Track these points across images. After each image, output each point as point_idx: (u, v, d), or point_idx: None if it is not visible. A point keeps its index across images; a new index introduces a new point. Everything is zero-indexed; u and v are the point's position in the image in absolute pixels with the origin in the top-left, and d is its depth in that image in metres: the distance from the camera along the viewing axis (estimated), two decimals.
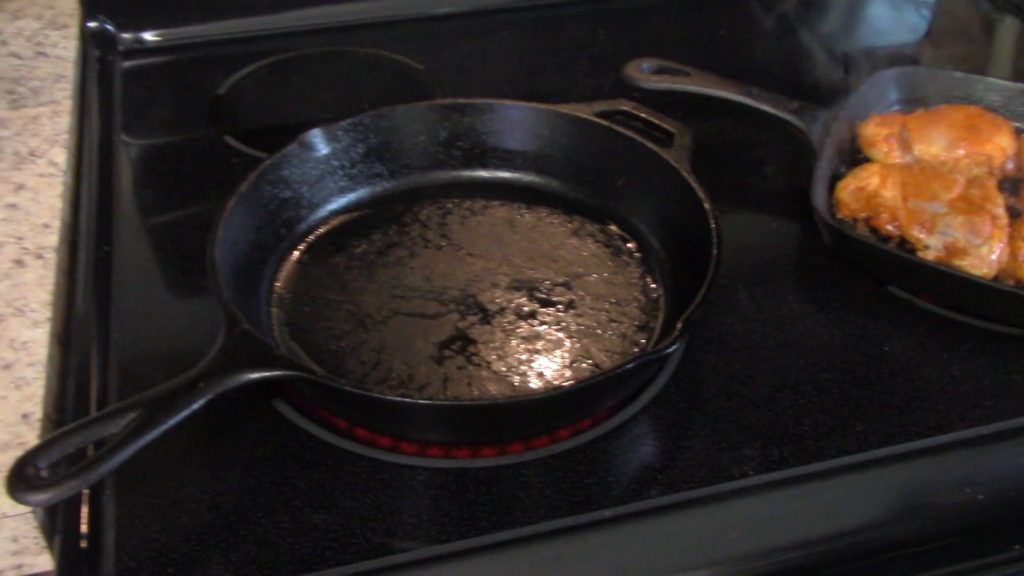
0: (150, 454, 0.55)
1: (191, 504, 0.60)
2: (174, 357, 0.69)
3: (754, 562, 0.58)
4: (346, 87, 1.00)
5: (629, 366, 0.60)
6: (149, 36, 1.03)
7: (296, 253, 0.76)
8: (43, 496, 0.52)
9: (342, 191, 0.80)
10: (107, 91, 0.97)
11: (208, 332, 0.68)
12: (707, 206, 0.70)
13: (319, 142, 0.78)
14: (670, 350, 0.60)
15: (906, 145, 0.84)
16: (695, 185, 0.72)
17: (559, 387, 0.65)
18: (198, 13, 1.05)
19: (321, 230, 0.78)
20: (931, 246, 0.75)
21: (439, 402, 0.63)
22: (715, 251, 0.67)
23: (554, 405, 0.62)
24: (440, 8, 1.08)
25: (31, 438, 0.60)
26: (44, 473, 0.52)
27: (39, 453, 0.53)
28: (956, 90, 0.90)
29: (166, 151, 0.90)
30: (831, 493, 0.62)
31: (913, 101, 0.90)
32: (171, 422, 0.55)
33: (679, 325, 0.61)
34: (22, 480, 0.52)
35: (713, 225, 0.69)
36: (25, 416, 0.61)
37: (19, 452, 0.54)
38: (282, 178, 0.76)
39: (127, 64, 1.01)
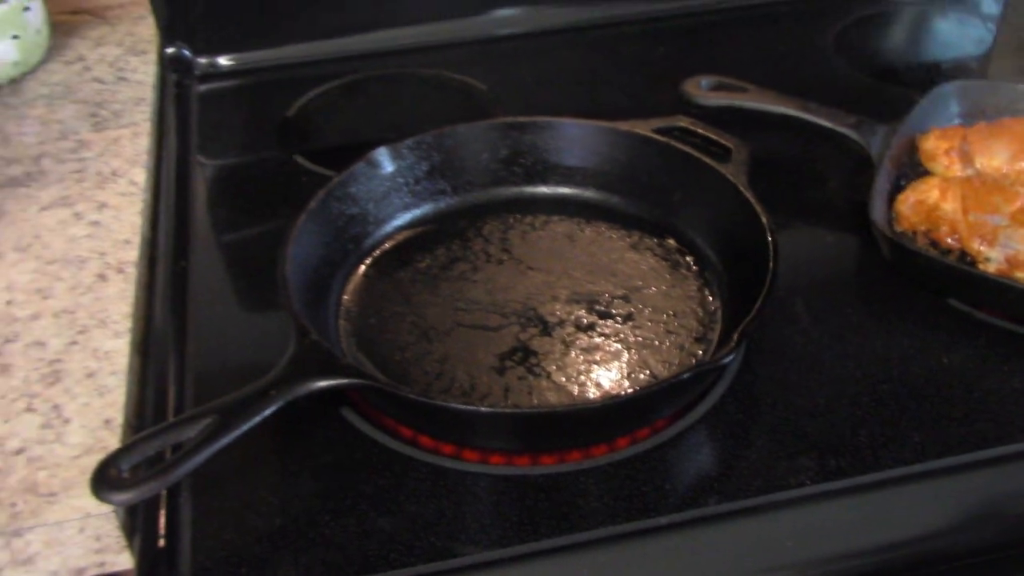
0: (224, 459, 0.58)
1: (263, 507, 0.62)
2: (246, 367, 0.71)
3: (810, 571, 0.59)
4: (410, 107, 1.02)
5: (685, 376, 0.61)
6: (223, 61, 1.07)
7: (363, 267, 0.79)
8: (125, 496, 0.55)
9: (407, 207, 0.83)
10: (184, 113, 1.01)
11: (278, 344, 0.70)
12: (764, 220, 0.71)
13: (385, 160, 0.80)
14: (726, 360, 0.61)
15: (967, 158, 0.84)
16: (752, 199, 0.73)
17: (617, 396, 0.67)
18: (269, 38, 1.09)
19: (387, 245, 0.81)
20: (992, 259, 0.75)
21: (500, 410, 0.65)
22: (772, 264, 0.68)
23: (612, 413, 0.63)
24: (501, 30, 1.10)
25: (113, 442, 0.63)
26: (126, 475, 0.55)
27: (121, 456, 0.56)
28: (1018, 102, 0.90)
29: (239, 171, 0.94)
30: (888, 504, 0.62)
31: (974, 114, 0.90)
32: (244, 428, 0.58)
33: (735, 336, 0.62)
34: (105, 481, 0.55)
35: (770, 239, 0.70)
36: (107, 422, 0.64)
37: (102, 455, 0.57)
38: (350, 195, 0.79)
39: (203, 88, 1.05)
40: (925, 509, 0.61)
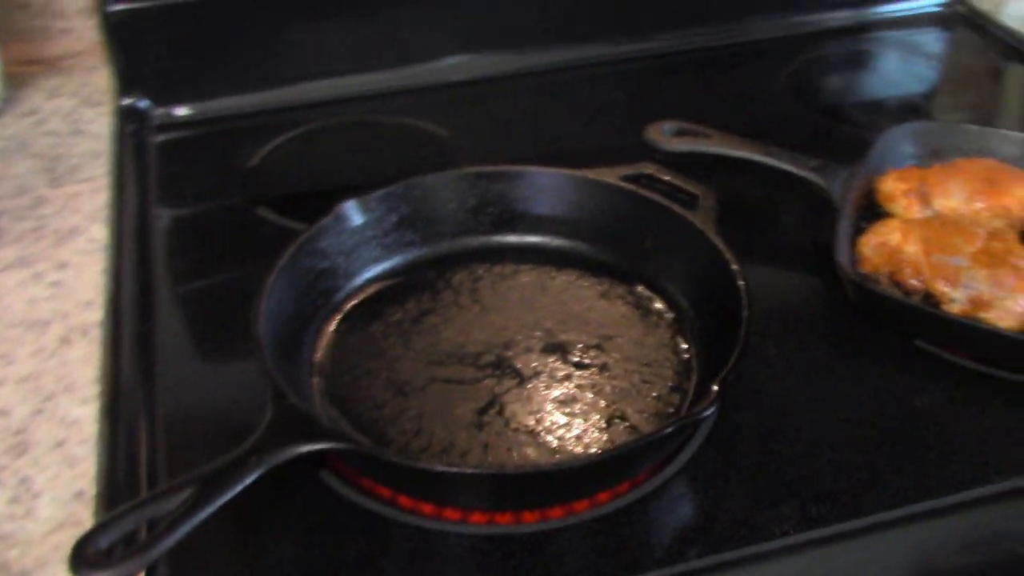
0: (202, 527, 0.57)
1: None
2: (220, 427, 0.71)
3: None
4: (373, 155, 1.02)
5: (669, 429, 0.61)
6: (181, 111, 1.06)
7: (334, 322, 0.78)
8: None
9: (376, 260, 0.82)
10: (142, 166, 1.00)
11: (249, 401, 0.70)
12: (735, 268, 0.72)
13: (353, 213, 0.80)
14: (707, 413, 0.62)
15: (925, 199, 0.86)
16: (722, 247, 0.74)
17: (603, 451, 0.67)
18: (227, 87, 1.08)
19: (357, 299, 0.80)
20: (956, 299, 0.76)
21: (484, 471, 0.64)
22: (745, 313, 0.68)
23: (595, 470, 0.63)
24: (461, 75, 1.11)
25: (85, 516, 0.62)
26: (105, 552, 0.54)
27: (99, 532, 0.55)
28: (971, 143, 0.92)
29: (201, 223, 0.93)
30: (872, 549, 0.62)
31: (929, 155, 0.92)
32: (225, 498, 0.57)
33: (715, 388, 0.62)
34: (84, 559, 0.53)
35: (742, 287, 0.70)
36: (79, 494, 0.63)
37: (75, 531, 0.55)
38: (319, 250, 0.78)
39: (160, 138, 1.04)
40: (909, 554, 0.62)
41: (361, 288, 0.81)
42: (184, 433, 0.71)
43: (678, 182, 0.82)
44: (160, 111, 1.06)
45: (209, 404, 0.74)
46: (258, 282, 0.74)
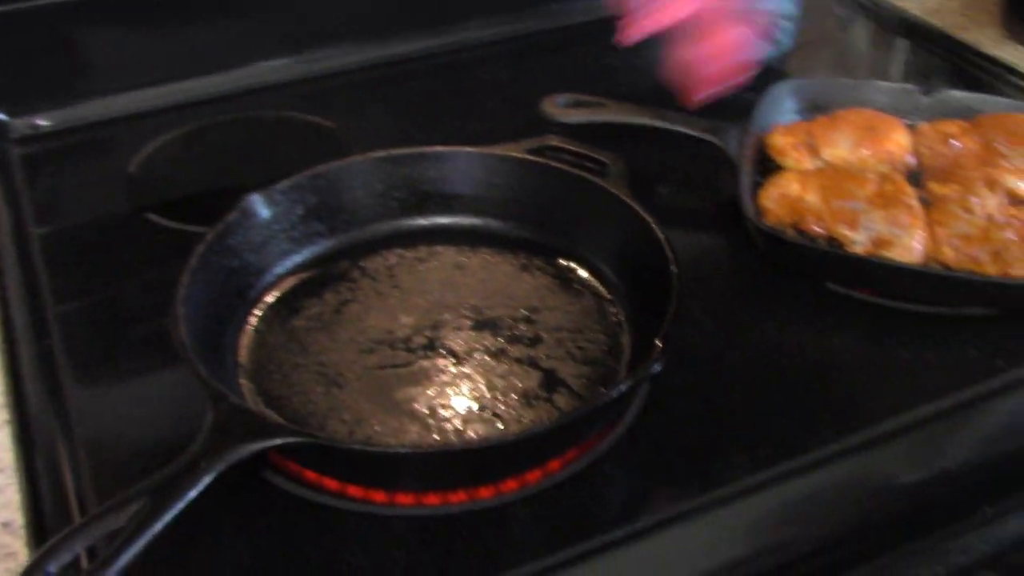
0: (154, 546, 0.54)
1: None
2: (143, 442, 0.68)
3: (764, 558, 0.61)
4: (259, 151, 0.99)
5: (623, 388, 0.61)
6: (43, 121, 1.00)
7: (252, 321, 0.75)
8: None
9: (287, 253, 0.79)
10: (9, 183, 0.93)
11: (169, 410, 0.69)
12: (656, 228, 0.73)
13: (259, 207, 0.77)
14: (657, 368, 0.62)
15: (814, 151, 0.89)
16: (639, 209, 0.75)
17: (558, 418, 0.66)
18: (89, 93, 1.02)
19: (272, 295, 0.77)
20: (858, 241, 0.80)
21: (439, 449, 0.63)
22: (674, 269, 0.69)
23: (548, 438, 0.63)
24: (341, 64, 1.08)
25: (18, 547, 0.58)
26: None
27: (48, 557, 0.51)
28: (847, 95, 0.96)
29: (88, 235, 0.88)
30: (819, 482, 0.65)
31: (810, 109, 0.96)
32: (179, 506, 0.54)
33: (659, 343, 0.63)
34: None
35: (666, 245, 0.71)
36: (6, 525, 0.59)
37: (10, 564, 0.52)
38: (228, 247, 0.75)
39: (23, 152, 0.98)
40: (854, 481, 0.64)
41: (275, 284, 0.78)
42: (106, 452, 0.67)
43: (584, 151, 0.82)
44: (19, 123, 1.00)
45: (126, 419, 0.70)
46: (165, 288, 0.70)
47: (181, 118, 1.01)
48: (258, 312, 0.76)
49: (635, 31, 0.87)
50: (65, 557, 0.51)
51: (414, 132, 0.99)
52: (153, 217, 0.88)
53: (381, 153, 0.82)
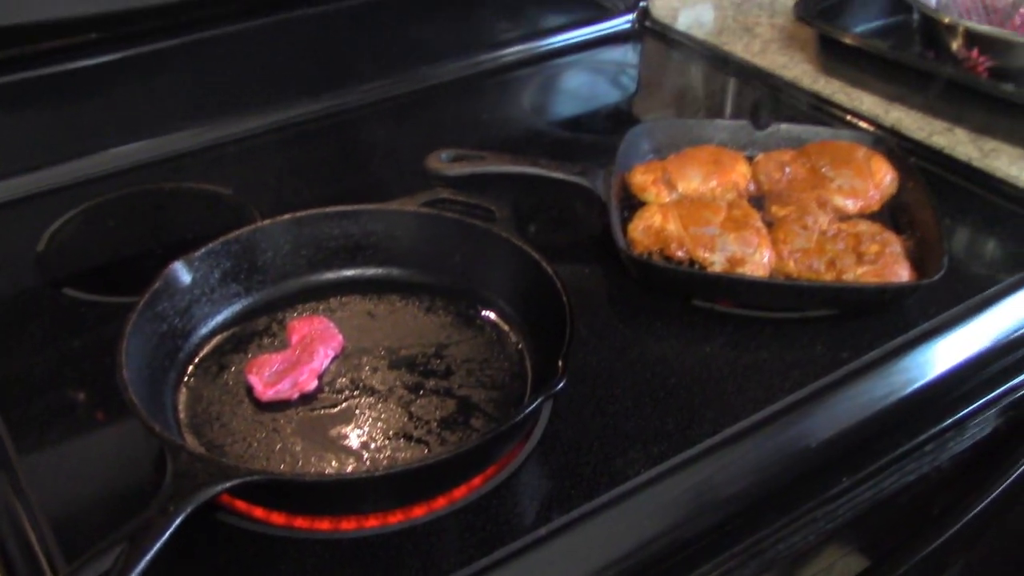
0: None
1: None
2: (92, 495, 0.73)
3: (666, 538, 0.71)
4: (163, 222, 1.05)
5: (532, 406, 0.71)
6: None
7: (186, 380, 0.81)
8: None
9: (208, 315, 0.86)
10: None
11: (113, 464, 0.75)
12: (544, 264, 0.83)
13: (182, 274, 0.83)
14: (560, 386, 0.72)
15: (670, 185, 1.01)
16: (528, 249, 0.85)
17: (478, 438, 0.74)
18: None
19: (200, 354, 0.84)
20: (716, 261, 0.92)
21: (375, 474, 0.71)
22: (566, 298, 0.79)
23: (472, 456, 0.71)
24: (232, 132, 1.15)
25: None
26: None
27: None
28: (692, 133, 1.09)
29: (4, 314, 0.91)
30: (705, 472, 0.75)
31: (663, 148, 1.08)
32: (156, 546, 0.60)
33: (561, 363, 0.73)
34: None
35: (555, 279, 0.81)
36: None
37: None
38: (157, 314, 0.81)
39: None
40: (739, 465, 0.75)
41: (201, 344, 0.85)
42: (61, 510, 0.72)
43: (472, 201, 0.92)
44: None
45: (75, 479, 0.75)
46: (88, 357, 0.81)
47: (83, 195, 1.06)
48: (190, 370, 0.82)
49: None
50: None
51: (305, 193, 1.07)
52: (69, 291, 0.93)
53: (286, 216, 0.90)
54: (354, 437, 0.76)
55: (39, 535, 0.70)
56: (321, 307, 0.89)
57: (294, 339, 0.84)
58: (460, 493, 0.73)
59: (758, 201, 1.01)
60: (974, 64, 1.19)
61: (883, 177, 1.02)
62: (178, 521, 0.62)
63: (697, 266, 0.92)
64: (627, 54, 1.45)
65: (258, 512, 0.71)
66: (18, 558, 0.68)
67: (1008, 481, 0.91)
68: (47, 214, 1.03)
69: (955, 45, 1.20)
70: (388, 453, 0.75)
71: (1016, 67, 1.17)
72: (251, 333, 0.86)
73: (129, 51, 1.07)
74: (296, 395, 0.79)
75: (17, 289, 0.94)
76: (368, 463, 0.74)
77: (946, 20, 1.23)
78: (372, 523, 0.71)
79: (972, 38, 1.18)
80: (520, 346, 0.85)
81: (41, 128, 1.08)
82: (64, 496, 0.73)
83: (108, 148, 1.10)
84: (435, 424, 0.77)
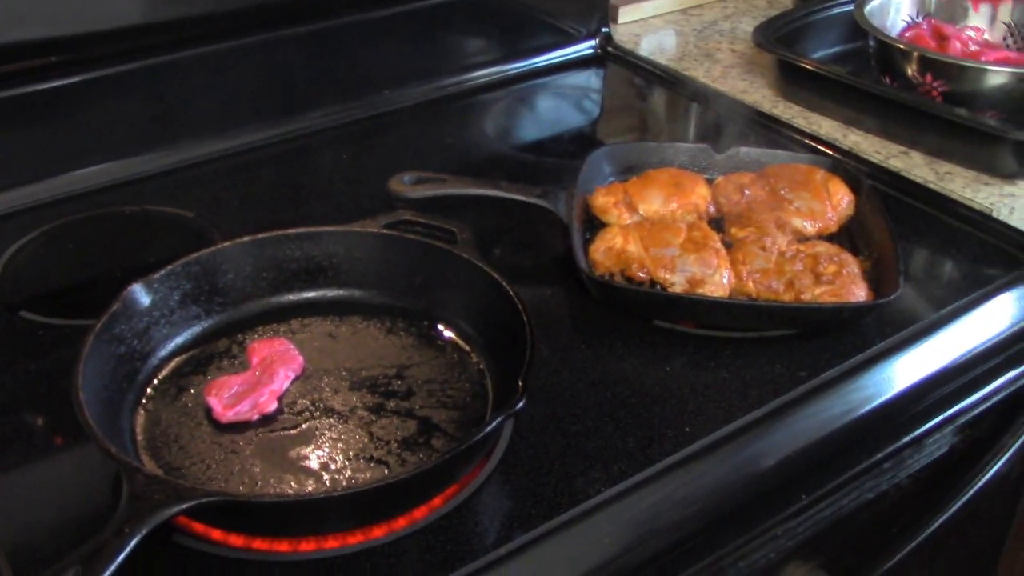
0: None
1: None
2: (47, 519, 0.73)
3: (627, 557, 0.71)
4: (123, 245, 1.04)
5: (491, 426, 0.71)
6: None
7: (144, 402, 0.81)
8: None
9: (167, 337, 0.85)
10: None
11: (69, 488, 0.75)
12: (506, 285, 0.83)
13: (141, 296, 0.83)
14: (520, 405, 0.72)
15: (632, 207, 1.02)
16: (490, 270, 0.85)
17: (438, 457, 0.74)
18: None
19: (159, 376, 0.83)
20: (676, 282, 0.93)
21: (352, 490, 0.70)
22: (526, 318, 0.80)
23: (433, 475, 0.71)
24: (194, 155, 1.15)
25: None
26: None
27: None
28: (653, 156, 1.10)
29: None
30: (664, 490, 0.76)
31: (624, 171, 1.09)
32: (111, 568, 0.59)
33: (521, 383, 0.73)
34: None
35: (516, 300, 0.82)
36: None
37: None
38: (114, 336, 0.80)
39: None
40: (700, 482, 0.76)
41: (160, 366, 0.84)
42: (16, 535, 0.71)
43: (434, 222, 0.92)
44: None
45: (29, 503, 0.74)
46: (44, 380, 0.80)
47: (42, 217, 1.05)
48: (149, 392, 0.81)
49: None
50: None
51: (268, 216, 1.07)
52: (27, 315, 0.92)
53: (247, 238, 0.89)
54: (314, 458, 0.76)
55: None
56: (282, 329, 0.89)
57: (254, 360, 0.83)
58: (421, 513, 0.73)
59: (718, 223, 1.02)
60: (929, 89, 1.21)
61: (840, 199, 1.03)
62: (133, 543, 0.61)
63: (658, 287, 0.93)
64: (590, 79, 1.46)
65: (216, 534, 0.71)
66: None
67: (965, 498, 0.92)
68: (4, 237, 1.02)
69: (910, 70, 1.22)
70: (348, 474, 0.75)
71: (969, 91, 1.19)
72: (211, 355, 0.86)
73: (89, 74, 1.07)
74: (256, 416, 0.79)
75: None
76: (328, 484, 0.74)
77: (901, 46, 1.25)
78: (332, 544, 0.71)
79: (926, 64, 1.21)
80: (481, 366, 0.85)
81: (0, 152, 1.07)
82: (18, 521, 0.72)
83: (68, 171, 1.09)
84: (396, 444, 0.77)
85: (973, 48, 1.34)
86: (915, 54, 1.22)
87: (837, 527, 0.84)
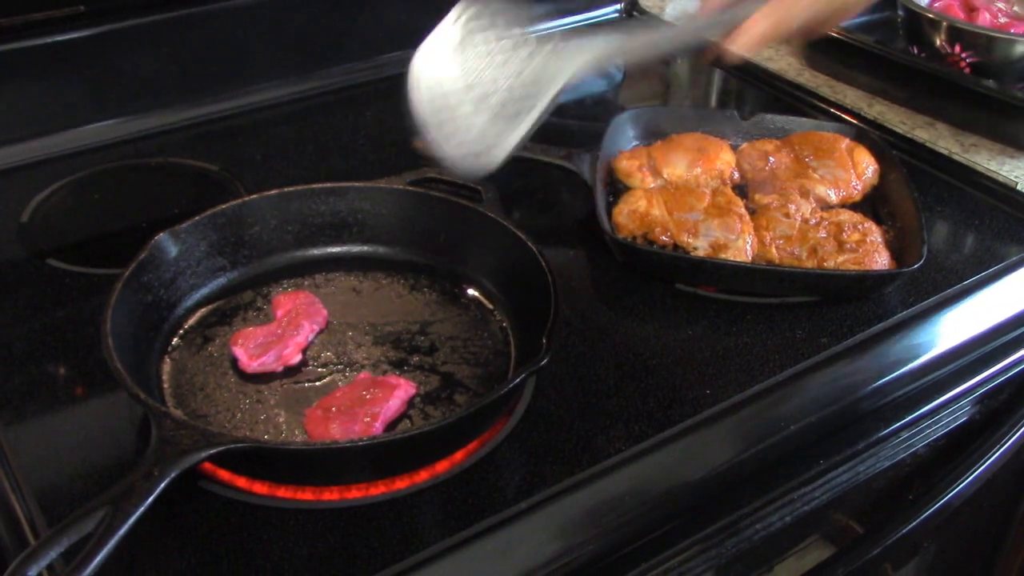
0: (112, 553, 0.59)
1: None
2: (73, 464, 0.73)
3: (648, 515, 0.72)
4: (149, 196, 1.04)
5: (518, 380, 0.71)
6: None
7: (169, 351, 0.81)
8: None
9: (194, 288, 0.86)
10: None
11: (95, 433, 0.76)
12: (530, 244, 0.84)
13: (168, 245, 0.84)
14: (544, 362, 0.72)
15: (656, 171, 1.02)
16: (515, 229, 0.86)
17: (461, 411, 0.74)
18: None
19: (185, 326, 0.84)
20: (699, 247, 0.93)
21: (363, 443, 0.70)
22: (550, 276, 0.80)
23: (456, 429, 0.72)
24: (221, 108, 1.15)
25: None
26: None
27: (28, 562, 0.57)
28: (677, 121, 1.10)
29: None
30: (684, 450, 0.76)
31: (648, 135, 1.09)
32: (140, 510, 0.60)
33: (545, 340, 0.74)
34: None
35: (540, 259, 0.82)
36: None
37: None
38: (142, 284, 0.81)
39: None
40: (718, 444, 0.76)
41: (185, 316, 0.85)
42: (43, 478, 0.72)
43: (459, 181, 0.92)
44: None
45: (56, 447, 0.75)
46: (72, 328, 0.81)
47: (69, 167, 1.06)
48: (175, 342, 0.82)
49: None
50: (41, 563, 0.57)
51: (292, 171, 1.07)
52: (53, 262, 0.93)
53: (274, 191, 0.90)
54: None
55: (21, 502, 0.70)
56: (306, 282, 0.90)
57: (279, 313, 0.84)
58: (443, 467, 0.74)
59: (741, 189, 1.02)
60: (956, 60, 1.20)
61: (865, 168, 1.03)
62: (162, 486, 0.62)
63: (681, 251, 0.93)
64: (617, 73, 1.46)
65: (241, 481, 0.72)
66: (0, 524, 0.68)
67: (981, 468, 0.92)
68: (32, 185, 1.03)
69: (938, 40, 1.21)
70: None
71: (997, 63, 1.18)
72: (236, 306, 0.87)
73: (118, 24, 1.07)
74: (280, 368, 0.80)
75: (0, 259, 0.94)
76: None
77: (930, 15, 1.24)
78: (354, 494, 0.72)
79: (955, 34, 1.20)
80: (504, 324, 0.85)
81: (28, 100, 1.07)
82: (47, 465, 0.73)
83: (95, 122, 1.10)
84: (418, 399, 0.78)
85: (1003, 20, 1.33)
86: (944, 24, 1.21)
87: (854, 493, 0.84)
